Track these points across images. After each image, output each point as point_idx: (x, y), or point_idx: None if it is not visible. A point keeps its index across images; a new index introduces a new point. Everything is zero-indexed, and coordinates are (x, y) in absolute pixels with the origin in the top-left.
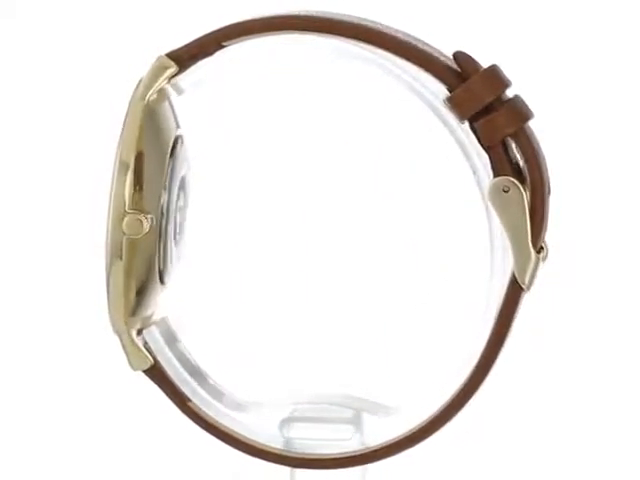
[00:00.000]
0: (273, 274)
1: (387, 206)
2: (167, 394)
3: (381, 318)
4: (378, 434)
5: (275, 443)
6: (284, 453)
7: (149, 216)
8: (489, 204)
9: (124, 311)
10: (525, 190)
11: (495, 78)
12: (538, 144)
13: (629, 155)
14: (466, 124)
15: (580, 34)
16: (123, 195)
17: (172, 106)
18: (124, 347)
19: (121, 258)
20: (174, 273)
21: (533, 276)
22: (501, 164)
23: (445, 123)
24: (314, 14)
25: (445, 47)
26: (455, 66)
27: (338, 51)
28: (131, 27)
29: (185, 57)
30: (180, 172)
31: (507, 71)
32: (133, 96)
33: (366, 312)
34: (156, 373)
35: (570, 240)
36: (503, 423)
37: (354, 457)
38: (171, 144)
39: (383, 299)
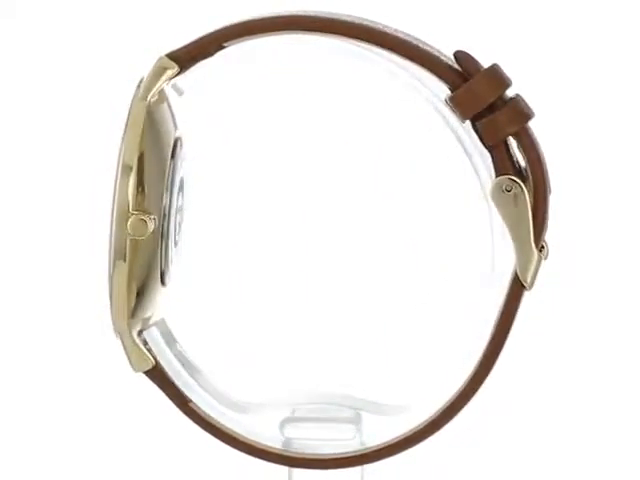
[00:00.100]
0: (273, 274)
1: (388, 206)
2: (168, 395)
3: (381, 318)
4: (378, 434)
5: (275, 443)
6: (284, 453)
7: (153, 217)
8: (491, 203)
9: (126, 312)
10: (527, 189)
11: (497, 78)
12: (539, 143)
13: (627, 153)
14: (468, 123)
15: (577, 33)
16: (127, 196)
17: (170, 107)
18: (125, 348)
19: (125, 259)
20: (174, 274)
21: (535, 275)
22: (503, 163)
23: (447, 122)
24: (315, 14)
25: (442, 46)
26: (456, 66)
27: (339, 51)
28: (131, 27)
29: (185, 58)
30: (179, 173)
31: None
32: (134, 97)
33: (366, 312)
34: (157, 374)
35: (569, 239)
36: (503, 423)
37: (354, 457)
38: (172, 145)
39: (383, 299)
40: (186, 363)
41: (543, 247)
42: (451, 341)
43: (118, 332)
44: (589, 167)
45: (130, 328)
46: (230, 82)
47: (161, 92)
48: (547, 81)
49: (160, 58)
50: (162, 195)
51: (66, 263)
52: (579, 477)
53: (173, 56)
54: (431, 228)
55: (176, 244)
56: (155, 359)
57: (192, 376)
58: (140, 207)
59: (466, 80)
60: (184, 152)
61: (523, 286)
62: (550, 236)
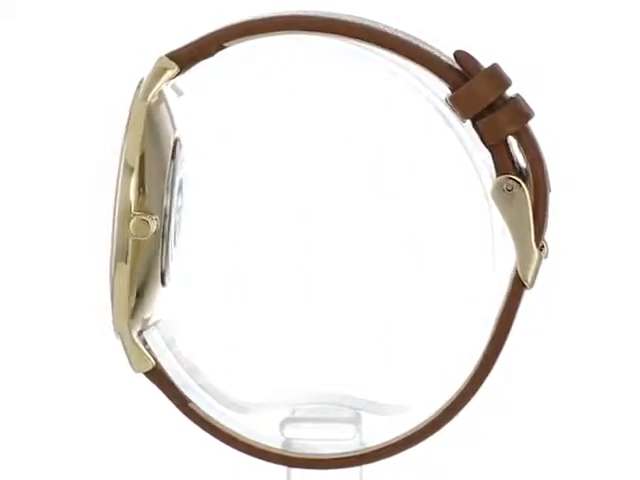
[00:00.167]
0: (273, 274)
1: (388, 205)
2: (168, 396)
3: (381, 318)
4: (378, 434)
5: (275, 443)
6: (284, 453)
7: (154, 217)
8: (492, 203)
9: (127, 313)
10: (528, 188)
11: (497, 77)
12: (539, 143)
13: (624, 151)
14: (468, 123)
15: (576, 32)
16: (129, 196)
17: (169, 108)
18: (125, 349)
19: (127, 260)
20: (174, 274)
21: (536, 274)
22: (504, 163)
23: (447, 122)
24: (315, 14)
25: (441, 46)
26: (456, 65)
27: (339, 51)
28: (131, 27)
29: (186, 58)
30: (179, 174)
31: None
32: (135, 97)
33: (366, 312)
34: (157, 374)
35: (569, 238)
36: (503, 423)
37: (354, 457)
38: (171, 146)
39: (383, 299)
40: (186, 363)
41: (543, 246)
42: (451, 341)
43: (118, 332)
44: (588, 166)
45: (130, 329)
46: (230, 82)
47: (160, 93)
48: (546, 80)
49: (160, 58)
50: (163, 195)
51: (66, 263)
52: (579, 477)
53: (173, 56)
54: (431, 228)
55: (175, 244)
56: (155, 359)
57: (192, 376)
58: (142, 207)
59: (466, 80)
60: (184, 152)
61: (524, 285)
62: (550, 235)
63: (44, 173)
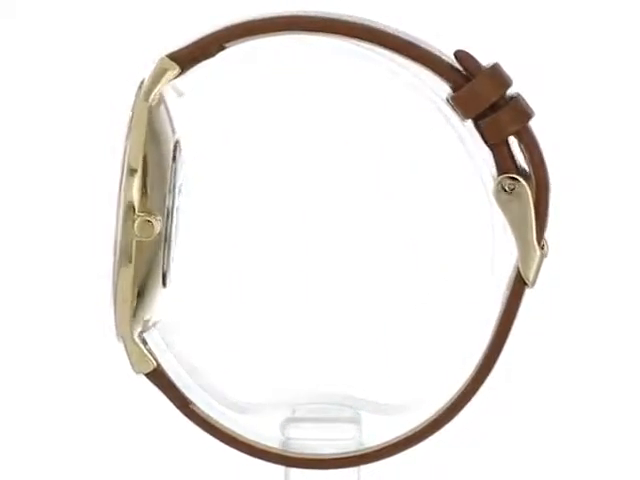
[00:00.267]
0: (273, 274)
1: (389, 205)
2: (169, 397)
3: (381, 318)
4: (378, 434)
5: (276, 443)
6: (284, 453)
7: (158, 218)
8: (492, 202)
9: (130, 314)
10: (530, 187)
11: (499, 77)
12: (539, 142)
13: (623, 150)
14: (469, 122)
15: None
16: (132, 197)
17: (168, 109)
18: (127, 350)
19: (130, 261)
20: (174, 275)
21: (537, 272)
22: (506, 162)
23: (448, 121)
24: (315, 14)
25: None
26: (457, 65)
27: (340, 51)
28: (131, 27)
29: (186, 58)
30: (180, 175)
31: None
32: (137, 98)
33: (366, 312)
34: (158, 376)
35: (569, 237)
36: (503, 423)
37: (354, 457)
38: (172, 146)
39: (384, 299)
40: (186, 364)
41: (544, 245)
42: (452, 340)
43: (120, 334)
44: (587, 165)
45: (132, 330)
46: (231, 83)
47: (160, 94)
48: (543, 79)
49: (161, 59)
50: (165, 197)
51: (66, 264)
52: (579, 477)
53: (174, 57)
54: (432, 227)
55: (176, 245)
56: (156, 360)
57: (192, 377)
58: (145, 209)
59: (468, 80)
60: (184, 153)
61: (525, 284)
62: (550, 235)
63: (44, 173)
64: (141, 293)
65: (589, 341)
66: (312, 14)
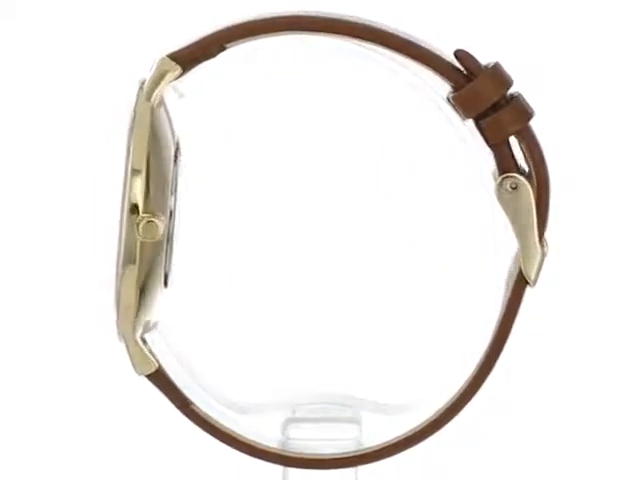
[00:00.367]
0: (273, 274)
1: (389, 205)
2: (169, 398)
3: (382, 318)
4: (378, 434)
5: (276, 444)
6: (285, 453)
7: (162, 218)
8: (493, 201)
9: (133, 315)
10: (531, 186)
11: (501, 77)
12: (539, 141)
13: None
14: (469, 121)
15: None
16: (136, 198)
17: (167, 110)
18: (129, 351)
19: (134, 262)
20: (175, 275)
21: (539, 271)
22: (507, 162)
23: (449, 121)
24: (316, 14)
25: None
26: (457, 64)
27: (341, 51)
28: (132, 27)
29: (187, 59)
30: (181, 175)
31: None
32: (138, 98)
33: (367, 312)
34: (159, 377)
35: (569, 237)
36: (503, 423)
37: (354, 457)
38: (174, 147)
39: (384, 299)
40: (186, 365)
41: (544, 245)
42: (452, 340)
43: (122, 335)
44: (587, 165)
45: (134, 331)
46: (232, 83)
47: (160, 94)
48: (541, 78)
49: (162, 59)
50: (168, 197)
51: (66, 264)
52: (579, 477)
53: (174, 57)
54: (432, 227)
55: (177, 246)
56: (157, 362)
57: (193, 378)
58: (149, 209)
59: (469, 79)
60: (185, 154)
61: (527, 283)
62: (550, 235)
63: (43, 174)
64: (143, 294)
65: (589, 341)
66: (313, 14)
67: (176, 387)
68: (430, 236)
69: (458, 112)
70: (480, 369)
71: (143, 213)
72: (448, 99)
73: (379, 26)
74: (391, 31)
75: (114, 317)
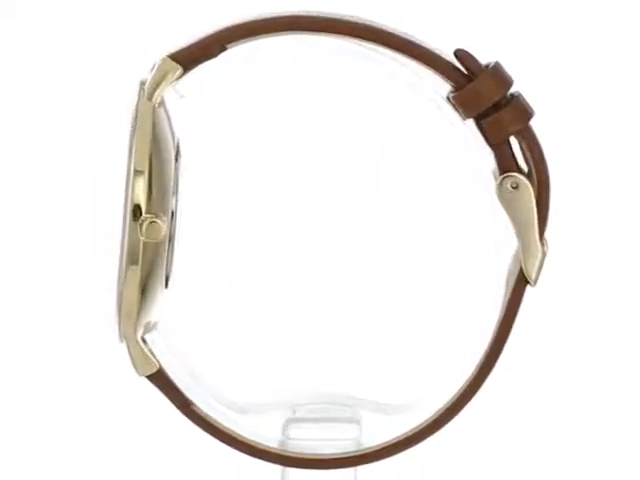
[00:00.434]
0: (273, 275)
1: (389, 205)
2: (169, 398)
3: (382, 318)
4: (378, 434)
5: (276, 444)
6: (285, 453)
7: (164, 219)
8: (494, 201)
9: (135, 316)
10: (532, 186)
11: (501, 77)
12: (540, 141)
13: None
14: (470, 122)
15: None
16: (139, 199)
17: (167, 111)
18: (131, 352)
19: (137, 262)
20: (176, 276)
21: (540, 270)
22: (508, 161)
23: (449, 120)
24: (317, 14)
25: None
26: (458, 64)
27: (342, 51)
28: (132, 27)
29: (188, 59)
30: (182, 175)
31: None
32: (140, 98)
33: (367, 312)
34: (160, 378)
35: (569, 236)
36: (503, 423)
37: (354, 457)
38: (174, 147)
39: (384, 299)
40: (187, 365)
41: (544, 244)
42: (452, 340)
43: (124, 336)
44: (586, 164)
45: (136, 331)
46: (233, 83)
47: (161, 95)
48: (543, 79)
49: (163, 59)
50: (169, 198)
51: (66, 264)
52: (579, 477)
53: (175, 57)
54: (432, 227)
55: (178, 246)
56: (158, 362)
57: (193, 378)
58: (152, 210)
59: (469, 79)
60: (186, 154)
61: (527, 282)
62: (550, 234)
63: (42, 174)
64: (144, 295)
65: (590, 341)
66: (314, 14)
67: (176, 387)
68: (430, 236)
69: (458, 112)
70: (480, 369)
71: (146, 214)
72: (448, 99)
73: (379, 26)
74: (391, 31)
75: (115, 318)
